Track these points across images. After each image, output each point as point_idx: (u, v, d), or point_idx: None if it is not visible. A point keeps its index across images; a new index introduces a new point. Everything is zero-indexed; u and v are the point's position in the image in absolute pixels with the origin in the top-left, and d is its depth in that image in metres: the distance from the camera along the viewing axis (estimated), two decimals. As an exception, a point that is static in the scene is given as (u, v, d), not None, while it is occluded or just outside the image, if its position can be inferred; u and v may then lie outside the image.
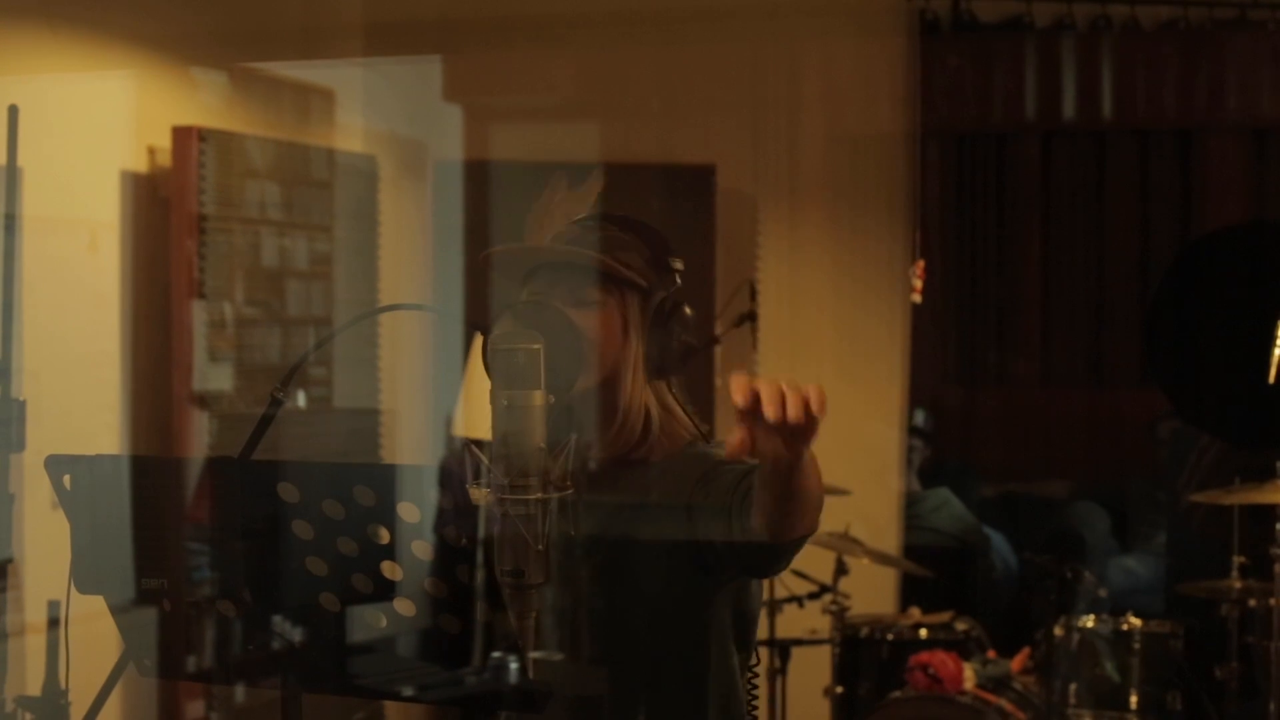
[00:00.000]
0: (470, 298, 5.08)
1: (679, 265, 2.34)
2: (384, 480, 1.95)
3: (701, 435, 2.37)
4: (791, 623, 4.91)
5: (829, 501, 5.30)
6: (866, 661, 4.81)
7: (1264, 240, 5.36)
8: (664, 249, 2.33)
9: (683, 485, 2.25)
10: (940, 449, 6.05)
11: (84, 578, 2.09)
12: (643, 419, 2.30)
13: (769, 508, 2.02)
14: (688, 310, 2.32)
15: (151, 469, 2.19)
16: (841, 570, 4.79)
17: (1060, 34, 5.78)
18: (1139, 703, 4.65)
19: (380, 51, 4.95)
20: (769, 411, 1.81)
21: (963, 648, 4.77)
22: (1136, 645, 4.67)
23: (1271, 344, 4.24)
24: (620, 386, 2.29)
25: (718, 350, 5.20)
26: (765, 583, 3.69)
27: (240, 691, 4.32)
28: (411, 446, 5.39)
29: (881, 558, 4.96)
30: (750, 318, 5.02)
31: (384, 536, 1.92)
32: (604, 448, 2.30)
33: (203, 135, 4.60)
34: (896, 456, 5.76)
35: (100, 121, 4.55)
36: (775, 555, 2.17)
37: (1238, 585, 4.58)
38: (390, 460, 5.26)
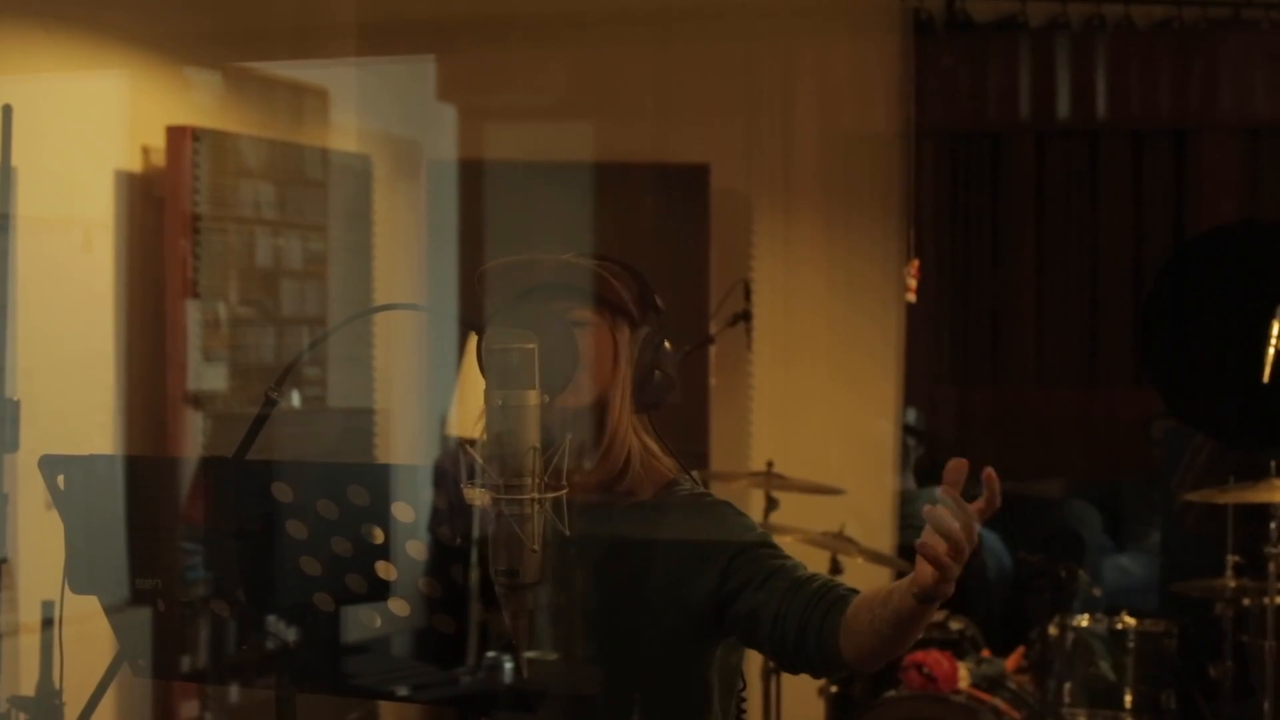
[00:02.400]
0: (464, 297, 5.07)
1: (662, 305, 2.37)
2: (378, 480, 1.95)
3: (684, 471, 2.38)
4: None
5: (823, 500, 5.30)
6: (861, 661, 4.80)
7: (1257, 239, 5.37)
8: (649, 289, 2.37)
9: (692, 542, 2.27)
10: (934, 448, 6.05)
11: (78, 578, 2.08)
12: (626, 449, 2.31)
13: (888, 640, 2.06)
14: (669, 346, 2.35)
15: (145, 469, 2.19)
16: (836, 569, 4.78)
17: (1054, 33, 5.79)
18: (1133, 702, 4.66)
19: (374, 51, 4.95)
20: (956, 561, 1.88)
21: (957, 647, 4.77)
22: (1131, 644, 4.67)
23: (1265, 343, 4.24)
24: (609, 410, 2.30)
25: (712, 350, 5.20)
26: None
27: (234, 691, 4.32)
28: (406, 446, 5.39)
29: (876, 557, 4.95)
30: (744, 317, 5.02)
31: (378, 536, 1.92)
32: (587, 472, 2.30)
33: (197, 135, 4.59)
34: (891, 456, 5.75)
35: (94, 121, 4.54)
36: (839, 670, 2.22)
37: (1232, 584, 4.58)
38: (384, 460, 5.26)
